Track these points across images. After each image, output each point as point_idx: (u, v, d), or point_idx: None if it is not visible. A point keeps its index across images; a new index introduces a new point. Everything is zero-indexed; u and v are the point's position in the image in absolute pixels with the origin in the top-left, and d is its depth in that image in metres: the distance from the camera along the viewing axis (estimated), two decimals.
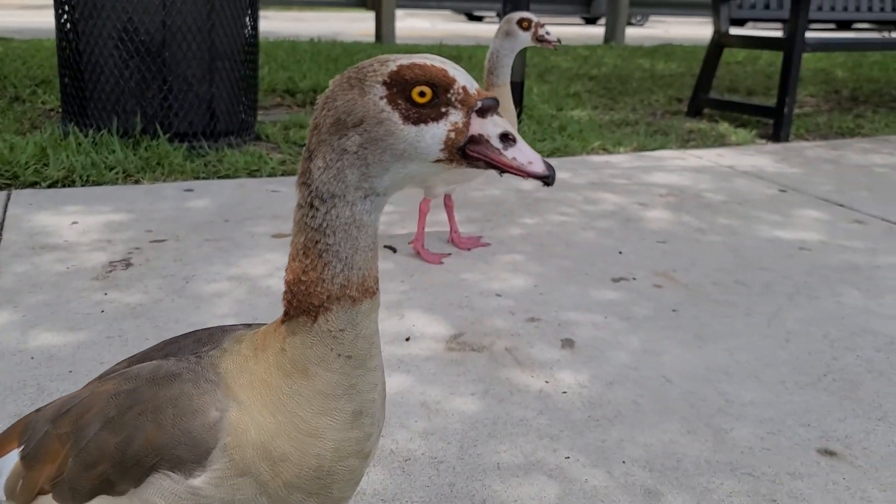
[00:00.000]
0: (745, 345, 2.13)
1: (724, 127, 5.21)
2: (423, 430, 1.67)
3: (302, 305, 0.79)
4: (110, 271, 2.42)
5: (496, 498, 1.46)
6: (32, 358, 1.89)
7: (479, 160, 0.75)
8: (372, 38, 9.24)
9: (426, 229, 2.76)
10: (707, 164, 4.22)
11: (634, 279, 2.56)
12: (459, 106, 0.74)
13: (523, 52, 4.27)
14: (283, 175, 3.60)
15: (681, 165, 4.17)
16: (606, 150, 4.46)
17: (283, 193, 3.28)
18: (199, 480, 0.77)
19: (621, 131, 4.93)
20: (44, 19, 11.60)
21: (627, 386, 1.90)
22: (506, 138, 0.74)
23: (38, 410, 0.93)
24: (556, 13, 11.31)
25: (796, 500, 1.50)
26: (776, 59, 8.54)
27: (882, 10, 6.15)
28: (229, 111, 3.85)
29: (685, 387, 1.90)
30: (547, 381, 1.89)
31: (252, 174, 3.56)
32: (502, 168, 0.75)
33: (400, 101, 0.73)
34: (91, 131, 3.66)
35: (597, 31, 13.59)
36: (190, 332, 0.93)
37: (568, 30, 14.80)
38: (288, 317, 0.81)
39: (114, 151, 3.51)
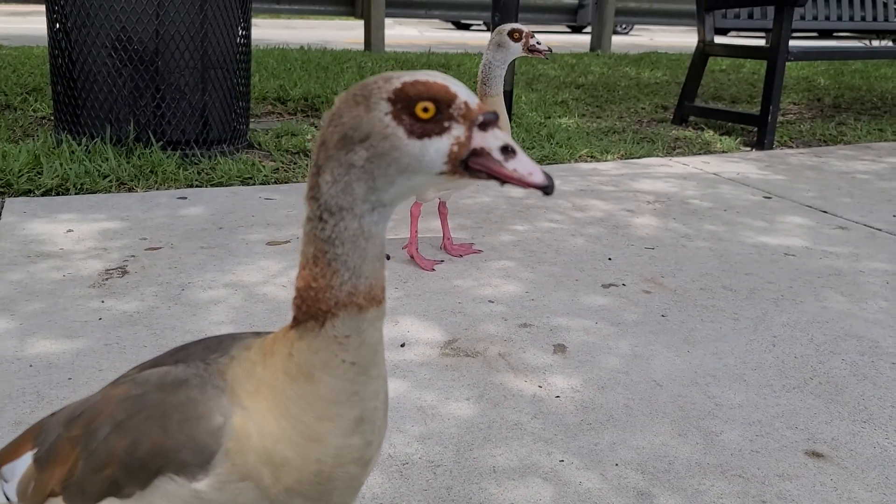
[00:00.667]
0: (732, 349, 2.18)
1: (709, 135, 5.29)
2: (419, 435, 1.70)
3: (311, 310, 0.81)
4: (106, 279, 2.43)
5: (492, 501, 1.50)
6: (31, 366, 1.91)
7: (481, 172, 0.77)
8: (361, 46, 9.28)
9: (419, 234, 2.80)
10: (693, 171, 4.29)
11: (624, 285, 2.60)
12: (461, 120, 0.76)
13: (512, 61, 4.31)
14: (275, 183, 3.62)
15: (667, 172, 4.23)
16: (594, 158, 4.51)
17: (276, 201, 3.31)
18: (202, 484, 0.79)
19: (608, 139, 4.99)
20: (32, 26, 11.57)
21: (618, 390, 1.94)
22: (507, 150, 0.77)
23: (53, 414, 0.94)
24: (544, 22, 11.40)
25: (785, 501, 1.54)
26: (760, 67, 8.66)
27: (863, 18, 6.26)
28: (222, 119, 3.87)
29: (675, 390, 1.95)
30: (540, 386, 1.93)
31: (245, 182, 3.58)
32: (504, 179, 0.77)
33: (404, 117, 0.75)
34: (84, 139, 3.68)
35: (583, 39, 13.70)
36: (200, 340, 0.95)
37: (554, 38, 14.92)
38: (297, 322, 0.84)
39: (107, 159, 3.52)
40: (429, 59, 7.96)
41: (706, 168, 4.38)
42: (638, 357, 2.11)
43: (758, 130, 5.05)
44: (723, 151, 4.93)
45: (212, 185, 3.50)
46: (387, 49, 9.25)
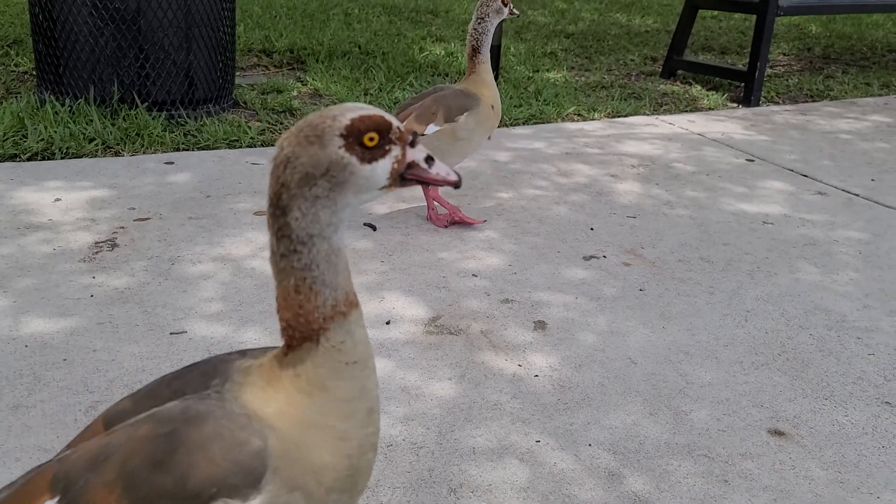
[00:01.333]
0: (706, 324, 2.27)
1: (696, 90, 5.29)
2: (403, 416, 1.79)
3: (304, 334, 0.93)
4: (97, 252, 2.48)
5: (471, 483, 1.59)
6: (27, 346, 1.97)
7: (412, 181, 0.96)
8: None
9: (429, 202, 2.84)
10: (678, 132, 4.31)
11: (604, 257, 2.67)
12: (398, 143, 0.94)
13: None
14: (262, 145, 3.63)
15: (653, 133, 4.26)
16: (581, 117, 4.52)
17: (263, 166, 3.33)
18: (255, 502, 0.87)
19: (596, 95, 4.99)
20: None
21: (595, 368, 2.02)
22: (429, 159, 0.96)
23: (59, 461, 0.94)
24: None
25: (746, 480, 1.65)
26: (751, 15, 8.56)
27: None
28: (207, 79, 3.85)
29: (648, 368, 2.03)
30: (520, 365, 2.01)
31: (232, 145, 3.59)
32: (429, 182, 0.96)
33: (356, 147, 0.90)
34: (68, 100, 3.65)
35: None
36: (190, 366, 1.01)
37: None
38: (291, 348, 0.95)
39: (91, 121, 3.51)
40: (416, 5, 7.82)
41: (691, 128, 4.40)
42: (615, 334, 2.19)
43: (745, 87, 5.05)
44: (709, 108, 4.94)
45: (198, 149, 3.50)
46: None
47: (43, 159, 3.26)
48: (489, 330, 2.17)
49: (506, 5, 2.75)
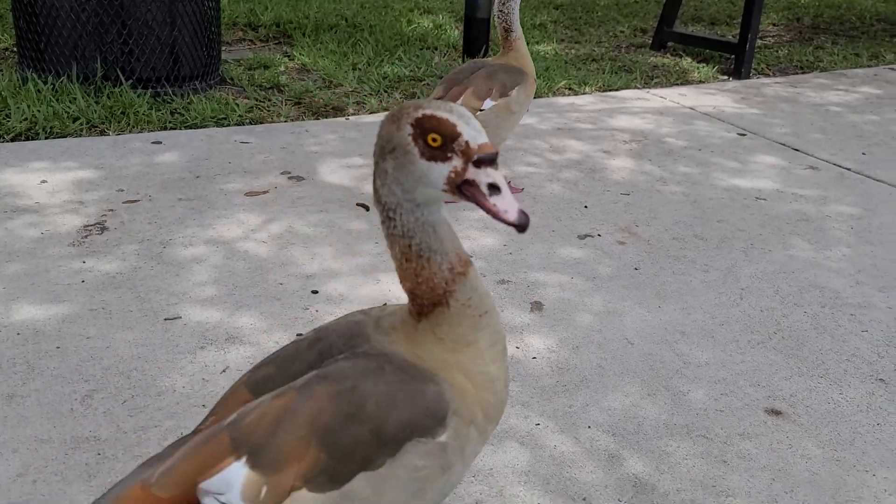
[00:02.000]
0: (702, 303, 2.27)
1: (686, 62, 5.26)
2: None
3: (433, 300, 1.01)
4: (86, 236, 2.44)
5: (473, 468, 1.59)
6: (18, 334, 1.94)
7: (470, 198, 0.95)
8: None
9: None
10: (669, 105, 4.29)
11: (599, 235, 2.66)
12: (460, 155, 0.94)
13: None
14: (250, 123, 3.58)
15: (644, 107, 4.23)
16: (572, 91, 4.49)
17: (252, 145, 3.28)
18: (444, 437, 1.00)
19: (587, 68, 4.95)
20: None
21: (592, 349, 2.02)
22: (493, 188, 0.94)
23: (230, 426, 0.98)
24: None
25: (744, 460, 1.66)
26: None
27: None
28: (193, 55, 3.77)
29: (645, 349, 2.04)
30: (518, 347, 2.01)
31: (220, 123, 3.53)
32: (484, 209, 0.94)
33: (420, 141, 0.94)
34: (50, 77, 3.57)
35: None
36: (320, 329, 1.10)
37: None
38: (422, 315, 1.02)
39: (75, 99, 3.45)
40: None
41: (683, 101, 4.38)
42: (611, 314, 2.19)
43: (735, 59, 5.03)
44: (700, 81, 4.92)
45: (186, 127, 3.45)
46: None
47: (27, 139, 3.20)
48: None
49: None
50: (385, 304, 1.07)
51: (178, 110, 3.59)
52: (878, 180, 3.31)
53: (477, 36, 4.50)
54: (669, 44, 5.63)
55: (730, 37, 5.94)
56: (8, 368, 1.81)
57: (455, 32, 5.54)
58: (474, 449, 1.06)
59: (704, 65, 5.21)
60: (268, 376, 1.05)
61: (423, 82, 4.40)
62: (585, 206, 2.89)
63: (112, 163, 3.00)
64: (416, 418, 0.98)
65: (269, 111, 3.75)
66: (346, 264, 2.36)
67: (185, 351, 1.91)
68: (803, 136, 3.86)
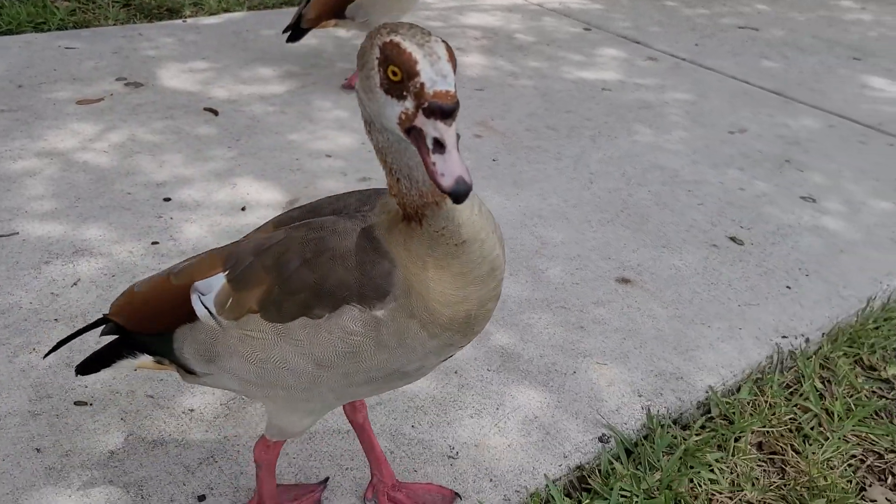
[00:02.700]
0: (556, 188, 2.37)
1: None
2: None
3: (407, 212, 0.96)
4: None
5: None
6: None
7: (417, 148, 0.85)
8: None
9: None
10: (518, 3, 4.32)
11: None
12: (413, 97, 0.83)
13: None
14: (74, 27, 3.27)
15: (494, 4, 4.24)
16: None
17: (79, 51, 3.01)
18: (380, 313, 0.98)
19: None
20: None
21: None
22: (437, 143, 0.82)
23: (237, 244, 1.10)
24: None
25: (598, 324, 1.79)
26: None
27: None
28: None
29: (506, 233, 2.11)
30: None
31: (38, 28, 3.20)
32: (424, 166, 0.84)
33: (382, 69, 0.85)
34: None
35: None
36: (351, 192, 1.10)
37: None
38: (408, 218, 0.97)
39: None
40: None
41: None
42: None
43: None
44: None
45: (0, 34, 3.10)
46: None
47: None
48: None
49: None
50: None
51: None
52: (708, 69, 3.53)
53: None
54: None
55: None
56: None
57: None
58: (423, 346, 1.02)
59: None
60: (290, 217, 1.11)
61: None
62: None
63: None
64: (358, 284, 0.98)
65: (94, 14, 3.43)
66: (198, 170, 2.26)
67: (28, 266, 1.78)
68: (643, 29, 4.03)
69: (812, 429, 1.59)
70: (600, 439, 1.46)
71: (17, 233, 1.89)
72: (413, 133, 0.84)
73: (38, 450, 1.32)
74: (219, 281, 1.06)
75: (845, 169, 2.64)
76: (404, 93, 0.84)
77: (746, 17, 4.49)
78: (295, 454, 1.37)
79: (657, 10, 4.41)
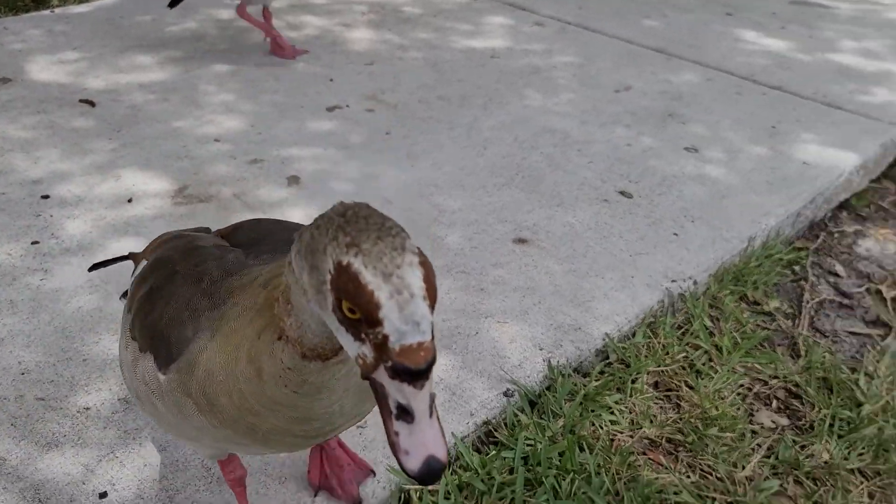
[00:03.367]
0: (450, 157, 2.39)
1: None
2: None
3: (286, 334, 0.77)
4: None
5: None
6: None
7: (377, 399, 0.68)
8: None
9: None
10: None
11: (347, 106, 2.67)
12: (374, 349, 0.64)
13: None
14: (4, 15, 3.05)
15: None
16: None
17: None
18: (163, 378, 0.88)
19: None
20: None
21: None
22: (403, 411, 0.65)
23: (182, 236, 1.08)
24: None
25: (498, 285, 1.83)
26: None
27: None
28: None
29: (404, 204, 2.12)
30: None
31: None
32: (385, 432, 0.66)
33: (336, 297, 0.65)
34: None
35: None
36: (292, 228, 1.03)
37: None
38: (280, 331, 0.78)
39: None
40: None
41: None
42: (368, 178, 2.24)
43: None
44: None
45: None
46: None
47: None
48: (241, 192, 2.11)
49: None
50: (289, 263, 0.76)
51: None
52: (593, 31, 3.62)
53: None
54: None
55: None
56: None
57: None
58: (213, 430, 0.87)
59: None
60: (244, 226, 1.08)
61: None
62: (331, 80, 2.86)
63: None
64: (158, 337, 0.89)
65: None
66: (77, 164, 2.16)
67: None
68: None
69: (703, 364, 1.68)
70: (505, 394, 1.50)
71: None
72: (372, 383, 0.66)
73: None
74: (139, 269, 1.07)
75: (724, 119, 2.77)
76: (363, 336, 0.65)
77: None
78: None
79: None
